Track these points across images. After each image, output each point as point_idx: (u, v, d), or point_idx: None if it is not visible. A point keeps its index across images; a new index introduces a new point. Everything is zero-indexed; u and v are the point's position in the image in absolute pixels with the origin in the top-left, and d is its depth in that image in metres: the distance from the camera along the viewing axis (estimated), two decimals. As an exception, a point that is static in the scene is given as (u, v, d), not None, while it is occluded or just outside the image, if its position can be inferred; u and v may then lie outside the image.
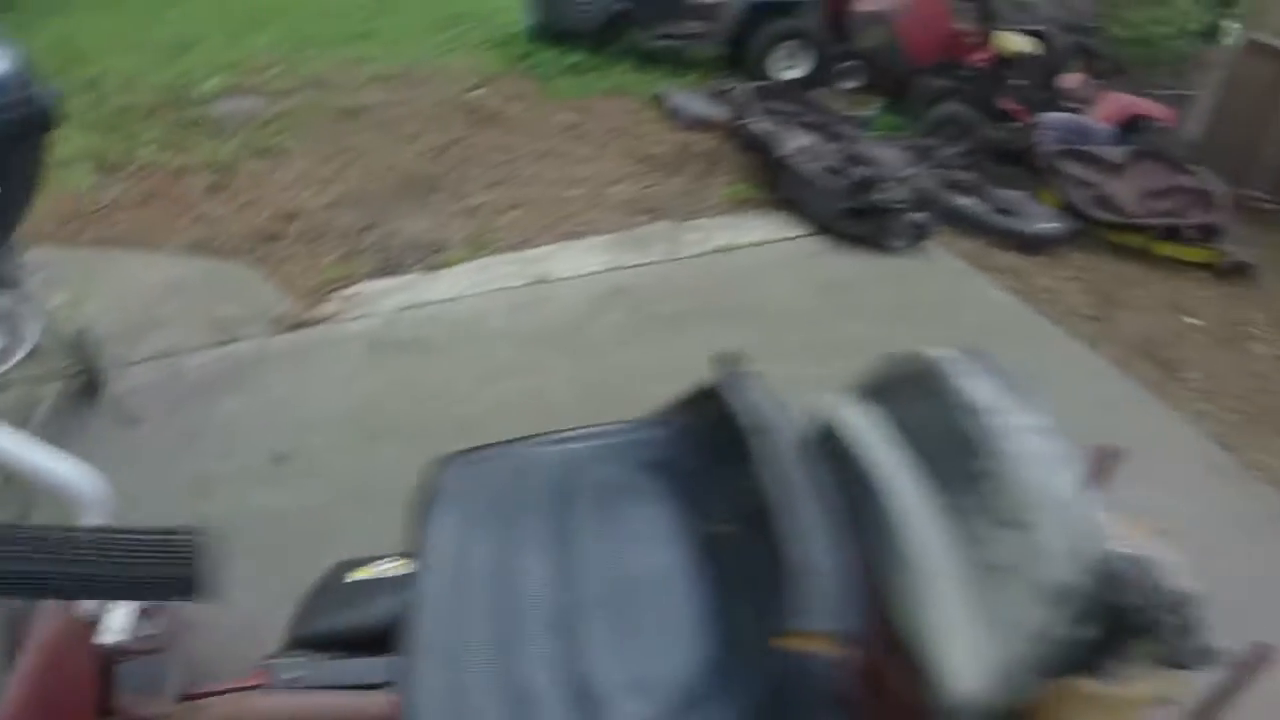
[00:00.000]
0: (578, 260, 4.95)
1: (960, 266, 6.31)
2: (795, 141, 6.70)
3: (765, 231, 5.83)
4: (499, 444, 1.87)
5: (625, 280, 4.84)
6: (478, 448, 1.85)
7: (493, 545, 1.56)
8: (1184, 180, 7.70)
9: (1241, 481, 4.78)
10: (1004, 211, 7.17)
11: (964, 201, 6.99)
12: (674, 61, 8.38)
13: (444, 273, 4.75)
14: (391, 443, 3.48)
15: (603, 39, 8.04)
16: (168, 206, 5.03)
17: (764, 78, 8.05)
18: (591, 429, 1.85)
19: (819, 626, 1.24)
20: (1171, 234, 7.40)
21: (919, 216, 6.32)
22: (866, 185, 6.21)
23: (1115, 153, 7.80)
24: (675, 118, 7.01)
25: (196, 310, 4.21)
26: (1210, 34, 9.80)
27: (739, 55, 8.33)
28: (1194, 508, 4.36)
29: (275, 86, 6.60)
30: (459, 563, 1.54)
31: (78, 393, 3.56)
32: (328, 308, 4.37)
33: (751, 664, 1.31)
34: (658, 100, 7.32)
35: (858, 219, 6.12)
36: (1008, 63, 8.71)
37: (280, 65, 6.91)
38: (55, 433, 3.15)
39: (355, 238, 4.95)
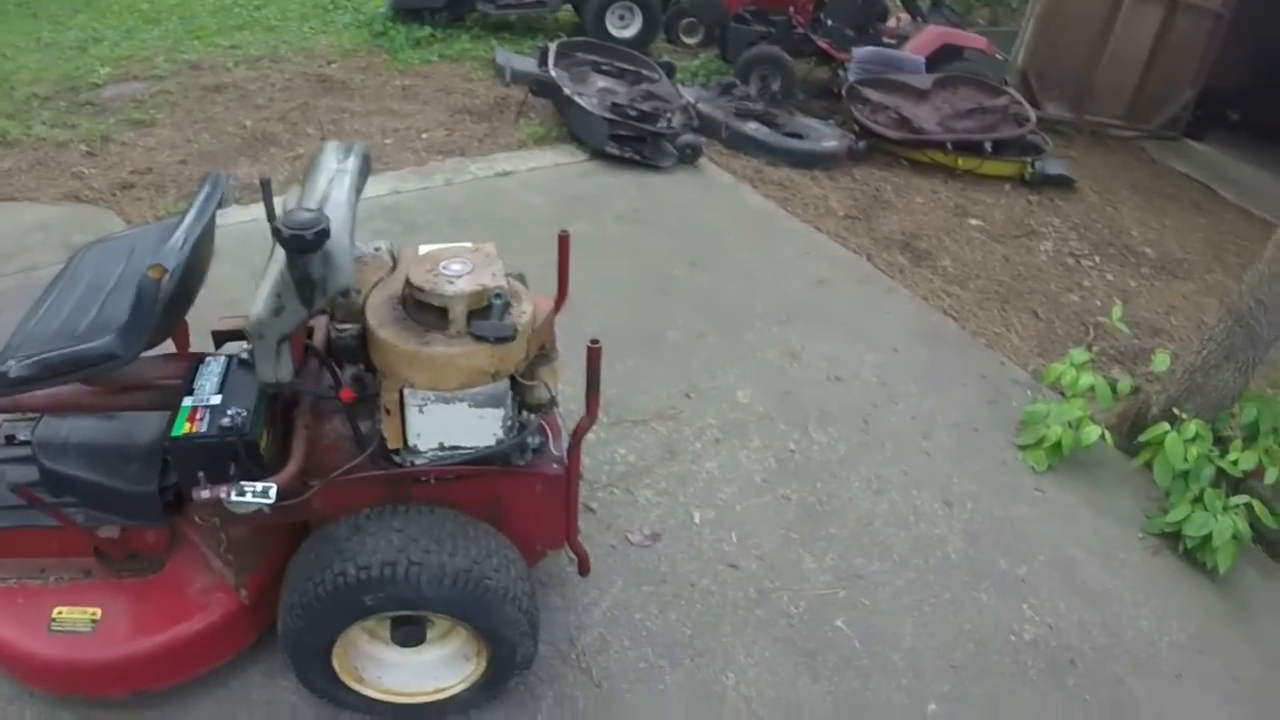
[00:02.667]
0: (367, 188, 6.08)
1: (727, 181, 7.04)
2: (593, 86, 7.43)
3: (545, 160, 6.78)
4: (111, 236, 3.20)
5: (398, 201, 5.89)
6: (101, 239, 3.17)
7: (95, 269, 2.84)
8: (993, 102, 8.33)
9: (956, 344, 5.51)
10: (795, 136, 7.85)
11: (750, 127, 7.71)
12: (525, 29, 9.35)
13: (254, 205, 5.96)
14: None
15: (453, 12, 8.95)
16: (50, 170, 6.16)
17: (604, 37, 8.95)
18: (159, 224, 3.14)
19: (154, 265, 2.45)
20: (971, 149, 8.04)
21: (689, 139, 7.10)
22: (642, 116, 6.94)
23: (921, 79, 8.43)
24: (501, 76, 7.94)
25: (55, 240, 5.38)
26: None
27: (580, 19, 9.29)
28: (898, 359, 5.21)
29: (156, 72, 7.66)
30: (76, 274, 2.83)
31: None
32: (159, 232, 5.62)
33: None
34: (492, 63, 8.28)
35: (627, 143, 6.87)
36: (822, 6, 9.63)
37: (164, 54, 7.99)
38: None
39: (194, 184, 6.02)
